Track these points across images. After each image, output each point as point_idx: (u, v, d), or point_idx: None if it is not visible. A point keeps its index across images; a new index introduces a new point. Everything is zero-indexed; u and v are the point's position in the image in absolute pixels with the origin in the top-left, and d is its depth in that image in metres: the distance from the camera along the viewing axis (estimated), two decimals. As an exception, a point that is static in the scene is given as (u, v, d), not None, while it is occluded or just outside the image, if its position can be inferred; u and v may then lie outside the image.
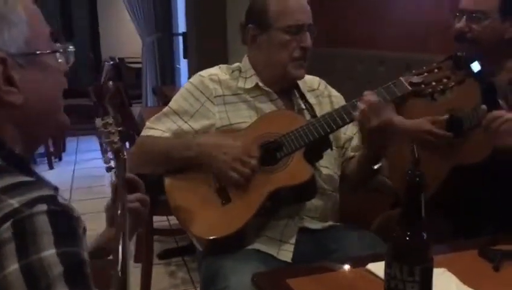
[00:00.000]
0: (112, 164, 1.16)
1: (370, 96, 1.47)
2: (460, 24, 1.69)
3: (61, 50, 0.87)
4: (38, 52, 0.82)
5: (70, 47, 0.89)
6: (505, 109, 1.48)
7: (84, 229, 0.75)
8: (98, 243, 1.13)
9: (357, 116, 1.47)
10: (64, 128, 0.91)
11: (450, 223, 1.71)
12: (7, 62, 0.77)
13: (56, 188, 0.77)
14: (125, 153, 1.16)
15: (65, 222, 0.71)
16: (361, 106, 1.46)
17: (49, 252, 0.67)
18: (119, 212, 1.00)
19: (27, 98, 0.80)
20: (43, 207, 0.69)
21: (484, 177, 1.61)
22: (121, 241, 0.90)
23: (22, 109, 0.80)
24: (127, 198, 1.09)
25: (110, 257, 0.93)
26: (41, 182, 0.77)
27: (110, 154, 1.18)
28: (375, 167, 1.59)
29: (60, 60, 0.87)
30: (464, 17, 1.68)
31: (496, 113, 1.46)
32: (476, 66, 1.45)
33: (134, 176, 1.19)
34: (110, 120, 1.17)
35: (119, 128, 1.17)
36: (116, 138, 1.15)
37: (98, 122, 1.17)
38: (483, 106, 1.49)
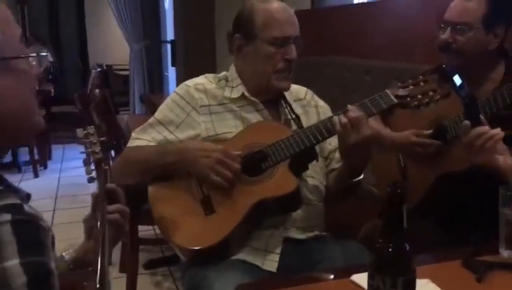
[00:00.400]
0: (94, 174, 1.14)
1: (352, 111, 1.45)
2: (444, 35, 1.70)
3: (33, 54, 0.85)
4: (9, 57, 0.80)
5: (44, 51, 0.87)
6: (486, 124, 1.47)
7: (53, 239, 0.73)
8: (77, 255, 1.11)
9: (338, 130, 1.46)
10: (39, 131, 0.89)
11: (438, 231, 1.71)
12: None
13: (27, 197, 0.75)
14: (106, 164, 1.15)
15: (31, 232, 0.69)
16: (343, 119, 1.45)
17: (12, 262, 0.66)
18: (98, 223, 0.99)
19: None
20: (7, 217, 0.68)
21: (471, 185, 1.61)
22: (100, 253, 0.89)
23: None
24: (106, 209, 1.07)
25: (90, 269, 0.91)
26: (8, 190, 0.75)
27: (92, 165, 1.16)
28: (355, 180, 1.58)
29: (33, 63, 0.85)
30: (449, 28, 1.70)
31: (480, 130, 1.43)
32: (457, 80, 1.45)
33: (115, 186, 1.17)
34: (92, 130, 1.15)
35: (101, 139, 1.16)
36: (97, 148, 1.14)
37: (79, 132, 1.16)
38: (467, 122, 1.47)
